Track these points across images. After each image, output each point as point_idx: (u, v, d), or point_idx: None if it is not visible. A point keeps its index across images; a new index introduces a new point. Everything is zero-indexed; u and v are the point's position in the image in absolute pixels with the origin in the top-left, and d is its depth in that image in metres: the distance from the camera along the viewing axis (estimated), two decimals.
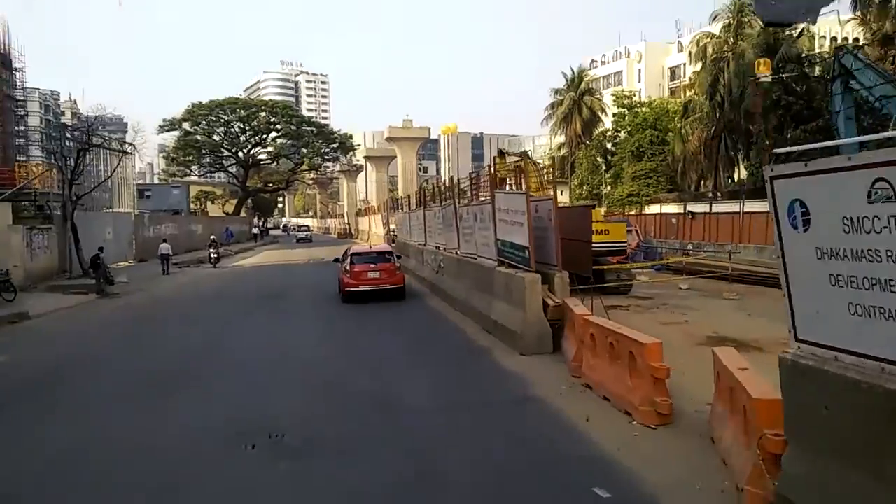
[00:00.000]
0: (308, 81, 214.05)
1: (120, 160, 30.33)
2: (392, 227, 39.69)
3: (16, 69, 41.26)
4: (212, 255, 34.12)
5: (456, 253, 17.22)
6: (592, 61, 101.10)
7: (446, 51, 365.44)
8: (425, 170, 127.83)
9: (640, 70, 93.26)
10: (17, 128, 35.75)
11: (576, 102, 68.24)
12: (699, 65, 55.28)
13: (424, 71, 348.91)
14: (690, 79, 55.26)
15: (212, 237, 36.76)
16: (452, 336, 13.01)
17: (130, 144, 30.59)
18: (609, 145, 64.30)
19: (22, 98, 32.99)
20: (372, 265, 19.14)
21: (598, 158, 65.31)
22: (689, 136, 47.98)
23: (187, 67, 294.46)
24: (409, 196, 29.90)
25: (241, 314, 16.77)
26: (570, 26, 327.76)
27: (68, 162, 26.63)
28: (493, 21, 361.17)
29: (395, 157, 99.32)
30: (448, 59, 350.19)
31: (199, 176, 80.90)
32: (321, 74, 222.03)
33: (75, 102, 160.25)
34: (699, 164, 48.61)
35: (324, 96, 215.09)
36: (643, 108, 59.31)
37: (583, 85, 69.09)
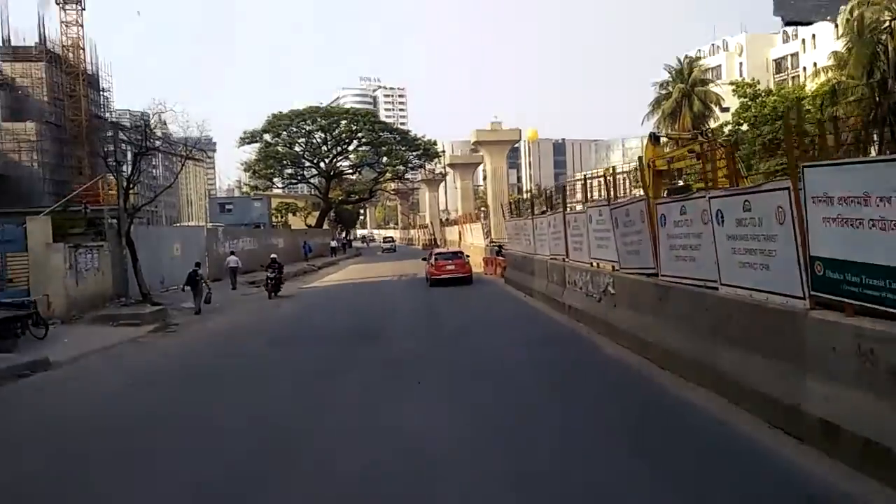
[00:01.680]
0: (386, 96, 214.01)
1: (183, 164, 25.97)
2: (497, 236, 34.20)
3: (103, 89, 38.81)
4: (270, 280, 24.74)
5: (643, 274, 11.40)
6: (686, 57, 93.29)
7: (523, 57, 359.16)
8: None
9: (741, 64, 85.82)
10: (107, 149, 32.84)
11: (685, 95, 61.16)
12: (842, 42, 47.74)
13: (501, 79, 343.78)
14: (838, 57, 47.53)
15: (272, 256, 26.39)
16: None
17: (199, 149, 26.20)
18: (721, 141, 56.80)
19: (110, 118, 29.81)
20: (449, 261, 27.50)
21: None
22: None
23: (265, 89, 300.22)
24: (531, 198, 24.28)
25: (325, 373, 11.12)
26: (657, 23, 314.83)
27: (122, 168, 22.38)
28: (569, 24, 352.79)
29: (481, 163, 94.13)
30: (525, 65, 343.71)
31: (282, 188, 78.11)
32: (398, 88, 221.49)
33: (165, 123, 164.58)
34: (858, 154, 40.85)
35: (401, 110, 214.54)
36: (770, 98, 51.78)
37: (694, 74, 61.89)
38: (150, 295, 22.65)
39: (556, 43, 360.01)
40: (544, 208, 21.32)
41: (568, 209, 17.47)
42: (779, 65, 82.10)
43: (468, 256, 29.60)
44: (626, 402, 8.43)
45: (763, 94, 53.90)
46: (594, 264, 14.59)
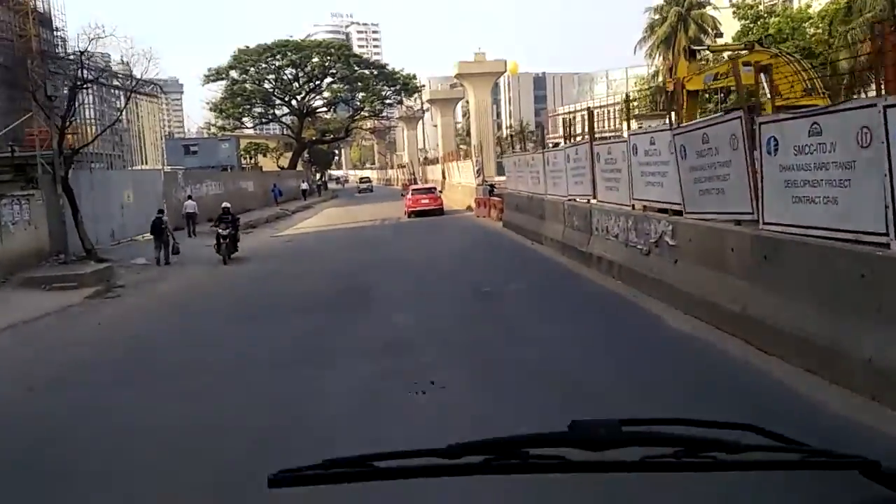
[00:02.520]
0: (359, 32, 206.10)
1: (128, 98, 22.11)
2: (493, 175, 31.13)
3: (57, 28, 34.22)
4: (222, 239, 18.60)
5: (731, 220, 8.48)
6: None
7: None
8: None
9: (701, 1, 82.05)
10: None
11: (681, 18, 57.50)
12: None
13: (477, 11, 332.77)
14: None
15: (223, 206, 20.19)
16: None
17: (149, 82, 22.33)
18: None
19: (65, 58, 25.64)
20: (423, 195, 31.86)
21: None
22: (860, 44, 37.22)
23: (233, 28, 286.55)
24: (540, 130, 21.11)
25: (300, 365, 7.97)
26: None
27: (53, 103, 18.69)
28: None
29: (462, 98, 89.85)
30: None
31: (252, 129, 73.72)
32: (372, 24, 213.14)
33: (128, 64, 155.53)
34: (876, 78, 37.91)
35: (376, 47, 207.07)
36: (773, 19, 48.27)
37: None
38: (96, 250, 19.42)
39: None
40: (560, 140, 18.26)
41: (596, 139, 14.35)
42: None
43: (440, 191, 34.79)
44: (742, 410, 5.55)
45: (765, 14, 50.38)
46: (635, 206, 11.64)
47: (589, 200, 14.16)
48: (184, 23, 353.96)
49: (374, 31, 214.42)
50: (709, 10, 58.76)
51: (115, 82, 24.01)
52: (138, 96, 25.04)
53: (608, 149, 12.96)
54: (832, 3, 45.45)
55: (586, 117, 15.47)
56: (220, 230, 18.69)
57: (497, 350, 8.15)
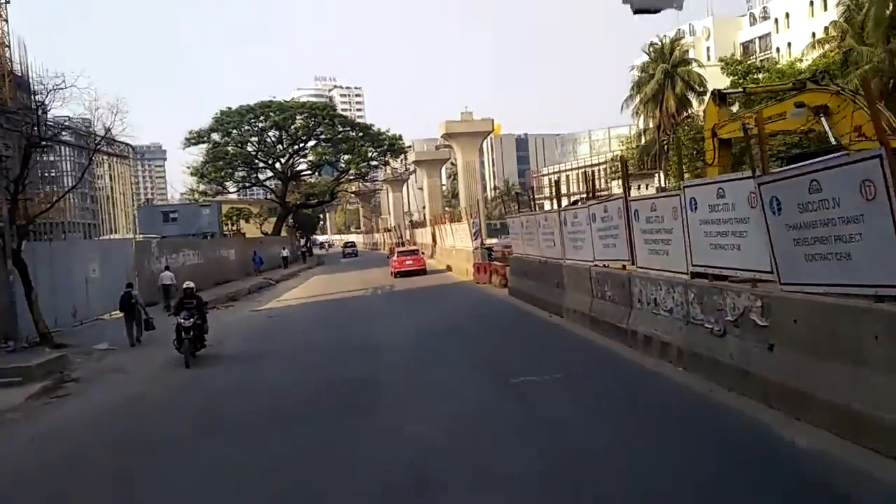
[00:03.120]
0: (342, 95, 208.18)
1: (91, 159, 19.90)
2: (490, 237, 29.15)
3: (35, 93, 32.20)
4: (183, 332, 13.98)
5: (860, 295, 6.41)
6: (652, 43, 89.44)
7: (480, 53, 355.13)
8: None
9: (708, 48, 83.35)
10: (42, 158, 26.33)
11: (668, 75, 57.09)
12: (829, 14, 44.20)
13: (459, 76, 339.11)
14: (839, 26, 43.57)
15: (186, 287, 15.09)
16: None
17: (114, 140, 20.15)
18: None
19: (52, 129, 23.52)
20: (407, 257, 34.92)
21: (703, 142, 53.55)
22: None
23: (218, 94, 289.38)
24: (555, 187, 19.17)
25: None
26: (617, 10, 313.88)
27: (2, 164, 16.50)
28: (524, 19, 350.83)
29: (448, 159, 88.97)
30: (483, 61, 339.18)
31: (236, 193, 71.85)
32: (355, 88, 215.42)
33: (109, 130, 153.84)
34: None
35: (359, 109, 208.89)
36: (763, 75, 47.74)
37: (676, 53, 57.79)
38: (51, 334, 17.01)
39: (511, 38, 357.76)
40: (546, 202, 16.30)
41: (630, 194, 12.36)
42: (746, 48, 79.76)
43: (424, 253, 39.42)
44: None
45: (754, 70, 49.99)
46: (694, 274, 9.53)
47: (625, 266, 12.07)
48: (167, 89, 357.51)
49: (357, 95, 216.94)
50: (694, 67, 58.48)
51: (81, 140, 21.83)
52: (109, 158, 22.95)
53: (651, 205, 10.92)
54: (822, 57, 45.06)
55: (593, 173, 13.65)
56: (181, 320, 14.06)
57: (562, 487, 5.85)
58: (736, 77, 49.28)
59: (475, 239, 28.31)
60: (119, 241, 25.36)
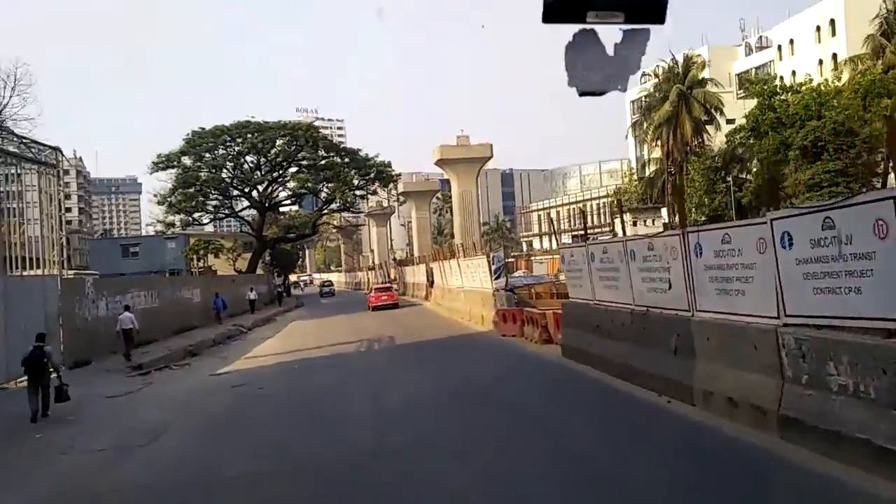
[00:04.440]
0: (324, 128, 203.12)
1: None
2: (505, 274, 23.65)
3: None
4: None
5: None
6: (644, 74, 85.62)
7: (462, 86, 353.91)
8: (452, 212, 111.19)
9: (703, 78, 79.81)
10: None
11: (683, 97, 52.45)
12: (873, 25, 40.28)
13: (441, 110, 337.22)
14: (876, 41, 39.21)
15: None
16: None
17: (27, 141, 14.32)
18: (740, 150, 47.82)
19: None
20: (382, 293, 40.06)
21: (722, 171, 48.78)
22: None
23: (192, 123, 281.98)
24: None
25: None
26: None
27: None
28: (506, 52, 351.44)
29: (438, 190, 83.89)
30: (465, 94, 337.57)
31: (208, 225, 65.59)
32: (337, 120, 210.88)
33: (81, 160, 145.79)
34: None
35: (341, 142, 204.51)
36: (793, 95, 43.22)
37: (692, 73, 53.27)
38: None
39: (495, 72, 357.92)
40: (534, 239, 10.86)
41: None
42: (740, 79, 76.27)
43: (397, 289, 44.94)
44: None
45: (781, 91, 45.46)
46: None
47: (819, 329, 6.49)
48: (144, 121, 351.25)
49: (339, 128, 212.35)
50: (710, 88, 54.00)
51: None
52: (22, 164, 17.13)
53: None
54: (858, 75, 40.71)
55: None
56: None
57: None
58: (762, 98, 44.87)
59: (497, 278, 22.64)
60: (34, 279, 19.30)
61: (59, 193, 19.19)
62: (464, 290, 28.47)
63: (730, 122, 52.71)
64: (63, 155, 18.74)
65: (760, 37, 75.75)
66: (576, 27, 2.90)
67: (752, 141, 44.79)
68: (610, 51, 2.97)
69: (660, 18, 2.86)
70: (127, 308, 21.02)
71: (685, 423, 8.92)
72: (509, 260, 44.47)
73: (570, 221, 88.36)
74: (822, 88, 42.37)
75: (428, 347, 20.13)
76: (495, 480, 7.31)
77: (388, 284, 48.57)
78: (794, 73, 65.81)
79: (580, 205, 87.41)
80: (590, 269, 14.00)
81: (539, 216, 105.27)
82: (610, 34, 2.92)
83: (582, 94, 3.33)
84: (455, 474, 7.60)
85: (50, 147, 17.86)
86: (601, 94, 3.28)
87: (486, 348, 18.94)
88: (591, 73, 3.03)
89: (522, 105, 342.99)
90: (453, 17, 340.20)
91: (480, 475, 7.54)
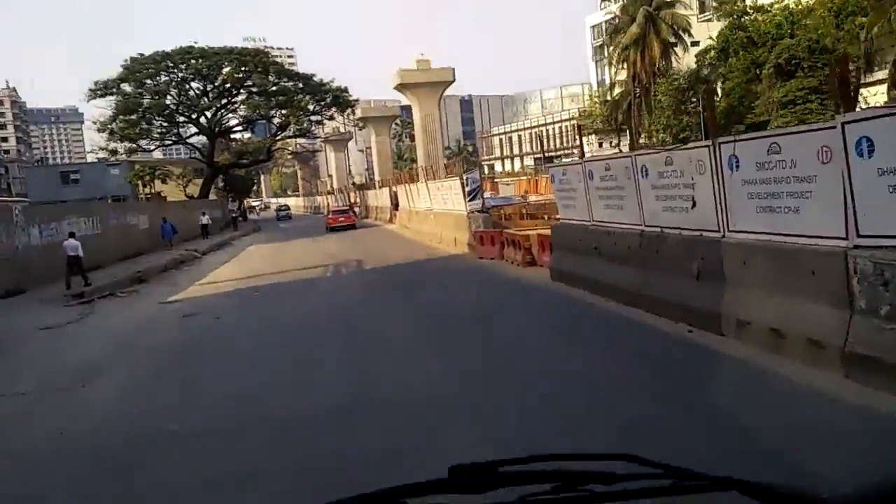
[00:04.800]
0: (275, 56, 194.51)
1: None
2: (482, 195, 22.23)
3: None
4: None
5: None
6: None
7: (416, 7, 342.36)
8: (412, 138, 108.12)
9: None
10: None
11: (650, 19, 50.70)
12: None
13: (395, 35, 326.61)
14: None
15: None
16: None
17: None
18: (706, 71, 46.47)
19: None
20: (340, 215, 41.57)
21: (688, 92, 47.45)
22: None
23: (135, 51, 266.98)
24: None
25: None
26: None
27: None
28: None
29: (398, 115, 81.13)
30: (420, 17, 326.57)
31: (154, 151, 62.24)
32: (287, 48, 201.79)
33: (15, 90, 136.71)
34: None
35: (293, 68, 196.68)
36: (761, 14, 41.87)
37: None
38: None
39: None
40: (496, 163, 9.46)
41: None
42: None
43: (358, 212, 49.28)
44: None
45: (752, 11, 44.00)
46: None
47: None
48: (83, 50, 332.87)
49: (290, 56, 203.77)
50: (679, 9, 52.18)
51: None
52: None
53: None
54: None
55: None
56: None
57: None
58: (732, 18, 43.40)
59: (472, 199, 21.14)
60: None
61: None
62: (433, 212, 26.94)
63: (694, 44, 51.50)
64: None
65: None
66: None
67: (721, 62, 43.47)
68: None
69: None
70: (72, 235, 19.58)
71: (722, 358, 7.69)
72: None
73: (531, 145, 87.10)
74: (793, 7, 41.04)
75: (402, 271, 18.64)
76: (509, 442, 5.85)
77: (345, 207, 50.05)
78: None
79: (543, 128, 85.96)
80: (587, 189, 12.51)
81: (500, 140, 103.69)
82: None
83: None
84: (456, 436, 6.13)
85: None
86: None
87: (466, 271, 17.51)
88: None
89: (481, 30, 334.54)
90: None
91: (490, 436, 6.14)
